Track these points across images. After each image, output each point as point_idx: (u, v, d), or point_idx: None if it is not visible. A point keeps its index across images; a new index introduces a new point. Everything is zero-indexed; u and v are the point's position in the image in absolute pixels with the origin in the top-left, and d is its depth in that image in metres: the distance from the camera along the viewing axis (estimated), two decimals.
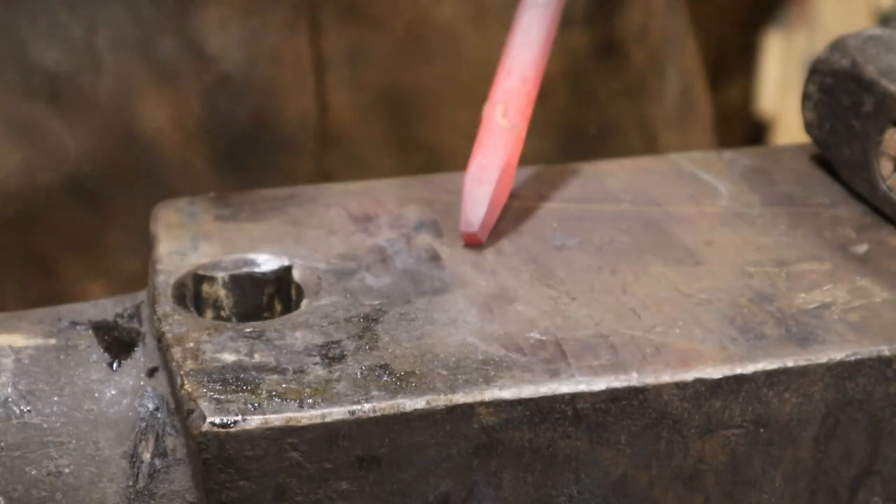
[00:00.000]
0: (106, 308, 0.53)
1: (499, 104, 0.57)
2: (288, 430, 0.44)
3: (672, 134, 0.88)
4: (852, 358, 0.47)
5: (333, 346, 0.47)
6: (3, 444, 0.48)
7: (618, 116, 0.83)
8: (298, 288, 0.52)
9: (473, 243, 0.54)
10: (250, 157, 0.75)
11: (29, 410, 0.48)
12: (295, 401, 0.44)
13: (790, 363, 0.47)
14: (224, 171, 0.75)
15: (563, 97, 0.81)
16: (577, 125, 0.82)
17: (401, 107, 0.76)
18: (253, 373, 0.46)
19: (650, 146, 0.85)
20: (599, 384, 0.45)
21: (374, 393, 0.45)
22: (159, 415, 0.49)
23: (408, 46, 0.76)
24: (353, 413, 0.44)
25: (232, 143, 0.75)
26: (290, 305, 0.52)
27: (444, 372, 0.46)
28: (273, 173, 0.75)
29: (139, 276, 0.56)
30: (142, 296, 0.53)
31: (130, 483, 0.48)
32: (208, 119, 0.74)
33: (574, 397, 0.45)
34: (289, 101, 0.74)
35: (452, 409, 0.45)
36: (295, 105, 0.74)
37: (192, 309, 0.50)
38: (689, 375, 0.46)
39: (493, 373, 0.46)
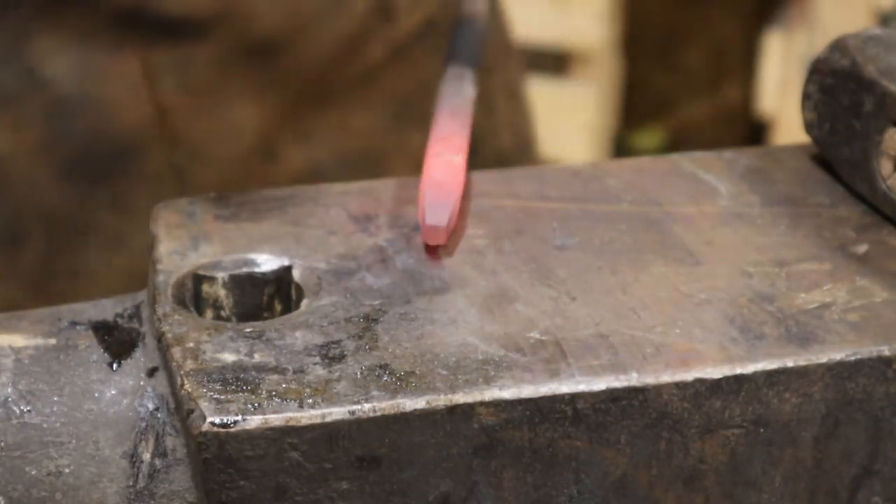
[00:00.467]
0: (106, 308, 0.53)
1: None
2: (288, 430, 0.44)
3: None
4: (852, 358, 0.47)
5: (333, 346, 0.47)
6: (3, 444, 0.48)
7: None
8: (298, 288, 0.52)
9: (437, 242, 0.53)
10: (97, 167, 0.81)
11: (29, 410, 0.48)
12: (295, 401, 0.44)
13: (790, 363, 0.47)
14: (73, 183, 0.81)
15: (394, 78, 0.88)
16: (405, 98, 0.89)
17: (232, 100, 0.82)
18: (253, 373, 0.46)
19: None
20: (599, 384, 0.45)
21: (374, 393, 0.45)
22: (159, 415, 0.49)
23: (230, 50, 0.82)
24: (353, 413, 0.44)
25: (76, 158, 0.81)
26: (290, 305, 0.52)
27: (444, 372, 0.46)
28: (126, 179, 0.82)
29: None
30: (142, 296, 0.53)
31: (130, 483, 0.48)
32: (50, 138, 0.80)
33: (574, 397, 0.45)
34: (127, 111, 0.80)
35: (452, 409, 0.45)
36: (134, 114, 0.80)
37: (192, 309, 0.50)
38: (689, 375, 0.46)
39: (493, 373, 0.46)
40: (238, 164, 0.82)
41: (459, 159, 0.57)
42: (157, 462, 0.48)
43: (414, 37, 0.86)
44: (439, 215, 0.53)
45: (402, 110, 0.88)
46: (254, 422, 0.43)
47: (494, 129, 0.94)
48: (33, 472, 0.47)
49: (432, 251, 0.53)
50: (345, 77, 0.85)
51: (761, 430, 0.47)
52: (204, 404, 0.44)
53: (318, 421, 0.44)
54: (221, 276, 0.52)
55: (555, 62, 2.17)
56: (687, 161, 0.61)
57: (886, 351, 0.47)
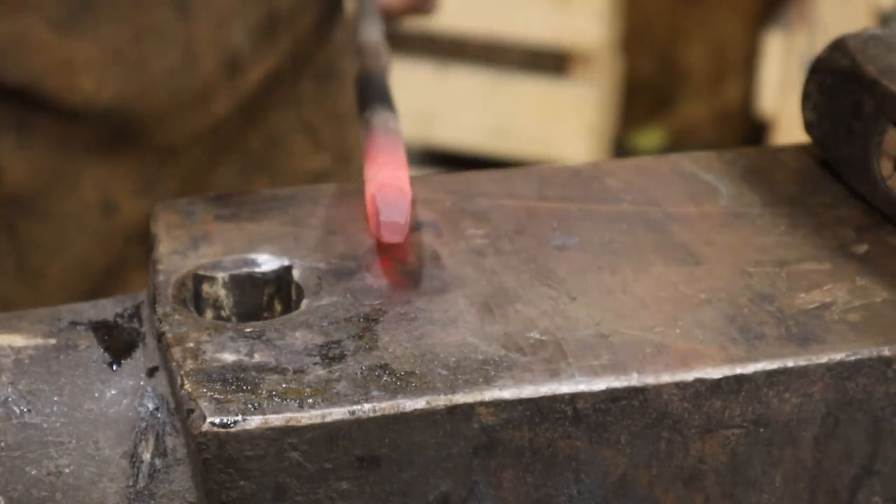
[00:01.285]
0: (106, 308, 0.53)
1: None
2: (288, 430, 0.44)
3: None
4: (852, 358, 0.47)
5: (333, 346, 0.47)
6: (3, 444, 0.48)
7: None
8: (298, 288, 0.52)
9: (396, 240, 0.52)
10: None
11: (29, 410, 0.48)
12: (295, 401, 0.44)
13: (790, 363, 0.47)
14: None
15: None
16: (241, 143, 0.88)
17: (72, 158, 0.81)
18: (253, 373, 0.46)
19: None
20: (599, 384, 0.45)
21: (374, 393, 0.45)
22: (159, 415, 0.49)
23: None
24: (353, 413, 0.44)
25: None
26: (290, 305, 0.52)
27: (444, 372, 0.46)
28: None
29: None
30: (142, 296, 0.53)
31: (130, 483, 0.48)
32: None
33: (574, 397, 0.45)
34: None
35: (452, 409, 0.45)
36: None
37: (192, 309, 0.50)
38: (689, 375, 0.46)
39: (493, 373, 0.46)
40: (75, 220, 0.82)
41: (402, 172, 0.56)
42: (157, 462, 0.48)
43: (261, 89, 0.85)
44: (395, 212, 0.52)
45: (249, 161, 0.88)
46: (254, 422, 0.43)
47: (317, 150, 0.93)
48: (33, 472, 0.47)
49: (392, 253, 0.52)
50: (189, 132, 0.83)
51: (761, 430, 0.47)
52: (204, 404, 0.44)
53: (318, 421, 0.44)
54: (221, 276, 0.52)
55: (555, 62, 2.17)
56: (687, 161, 0.61)
57: (886, 351, 0.47)
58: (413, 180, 0.60)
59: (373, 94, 0.66)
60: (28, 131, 0.79)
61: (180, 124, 0.83)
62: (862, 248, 0.54)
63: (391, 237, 0.52)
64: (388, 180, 0.54)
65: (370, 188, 0.54)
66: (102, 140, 0.81)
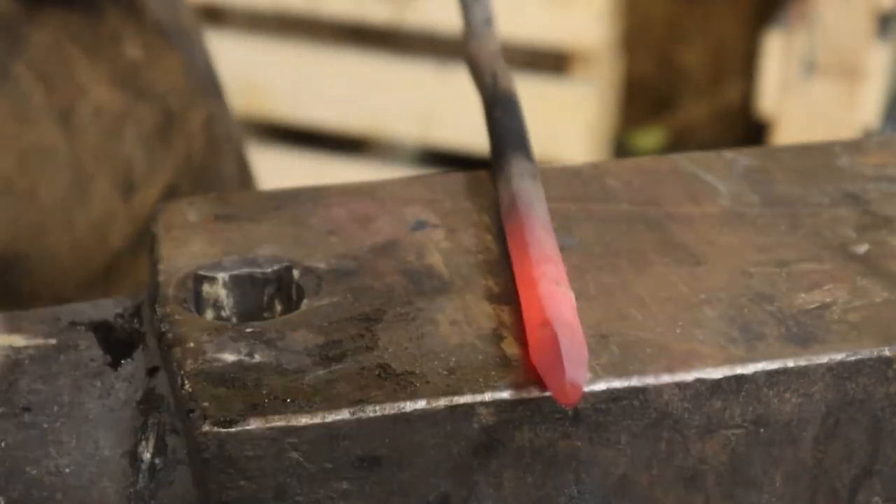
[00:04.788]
0: (106, 308, 0.53)
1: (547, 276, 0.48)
2: (288, 430, 0.44)
3: None
4: (852, 358, 0.47)
5: (333, 346, 0.47)
6: (3, 444, 0.48)
7: None
8: (299, 288, 0.52)
9: (574, 403, 0.43)
10: None
11: (29, 410, 0.48)
12: (295, 401, 0.44)
13: (790, 363, 0.47)
14: None
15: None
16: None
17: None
18: (253, 373, 0.46)
19: None
20: (599, 384, 0.45)
21: (374, 393, 0.45)
22: (159, 415, 0.49)
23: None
24: (353, 413, 0.44)
25: None
26: (290, 305, 0.52)
27: (444, 372, 0.46)
28: None
29: None
30: (142, 296, 0.53)
31: (130, 483, 0.48)
32: None
33: None
34: None
35: (452, 409, 0.45)
36: None
37: (192, 309, 0.50)
38: (689, 375, 0.46)
39: (492, 373, 0.46)
40: None
41: (572, 294, 0.47)
42: (157, 462, 0.48)
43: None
44: (579, 370, 0.43)
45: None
46: (254, 422, 0.43)
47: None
48: (33, 472, 0.47)
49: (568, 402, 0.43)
50: (85, 278, 0.72)
51: (761, 430, 0.47)
52: (204, 404, 0.44)
53: (319, 421, 0.44)
54: (222, 276, 0.52)
55: (555, 62, 2.17)
56: (687, 161, 0.61)
57: (886, 351, 0.47)
58: (414, 181, 0.60)
59: (509, 137, 0.55)
60: None
61: (76, 269, 0.72)
62: (862, 248, 0.54)
63: (569, 399, 0.43)
64: (567, 314, 0.45)
65: (547, 308, 0.45)
66: None
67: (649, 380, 0.46)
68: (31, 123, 0.69)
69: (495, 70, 0.60)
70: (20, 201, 0.69)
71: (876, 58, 1.94)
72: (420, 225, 0.55)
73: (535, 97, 2.17)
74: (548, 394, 0.44)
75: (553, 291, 0.46)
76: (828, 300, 0.50)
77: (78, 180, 0.71)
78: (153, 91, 0.77)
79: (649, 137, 2.38)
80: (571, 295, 0.47)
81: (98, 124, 0.72)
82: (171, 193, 0.77)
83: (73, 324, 0.52)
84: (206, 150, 0.82)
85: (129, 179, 0.74)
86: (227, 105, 0.88)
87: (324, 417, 0.44)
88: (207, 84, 0.84)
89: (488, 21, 0.64)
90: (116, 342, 0.51)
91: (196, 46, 0.84)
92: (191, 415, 0.44)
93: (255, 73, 2.10)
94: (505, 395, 0.45)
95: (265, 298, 0.52)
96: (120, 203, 0.73)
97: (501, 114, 0.58)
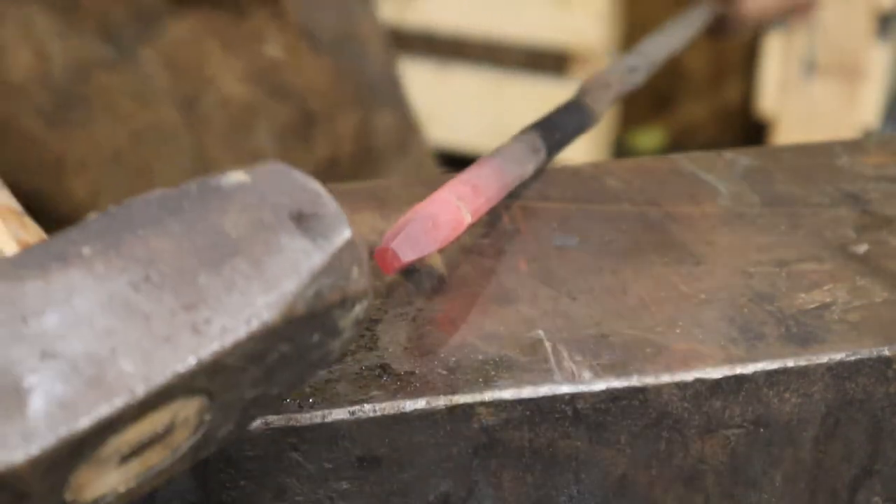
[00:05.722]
0: None
1: (460, 196, 0.52)
2: (288, 430, 0.44)
3: None
4: (852, 358, 0.47)
5: None
6: None
7: None
8: None
9: (386, 270, 0.48)
10: None
11: None
12: (295, 401, 0.44)
13: (790, 363, 0.47)
14: None
15: None
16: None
17: None
18: None
19: None
20: (599, 384, 0.45)
21: (374, 393, 0.45)
22: None
23: None
24: (353, 413, 0.44)
25: None
26: None
27: (444, 372, 0.46)
28: None
29: None
30: None
31: None
32: None
33: (574, 397, 0.45)
34: None
35: (452, 409, 0.45)
36: None
37: None
38: (689, 375, 0.46)
39: (492, 373, 0.46)
40: None
41: (467, 217, 0.51)
42: None
43: None
44: (409, 248, 0.48)
45: None
46: (254, 422, 0.43)
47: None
48: None
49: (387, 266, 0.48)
50: None
51: (761, 430, 0.47)
52: None
53: (319, 421, 0.44)
54: None
55: (555, 62, 2.17)
56: (687, 161, 0.61)
57: (886, 351, 0.47)
58: (416, 182, 0.60)
59: (546, 122, 0.58)
60: None
61: None
62: (862, 248, 0.54)
63: (382, 263, 0.48)
64: (439, 216, 0.49)
65: (425, 202, 0.50)
66: None
67: (649, 380, 0.46)
68: (150, 104, 0.72)
69: (594, 90, 0.64)
70: (132, 174, 0.72)
71: (876, 58, 1.95)
72: None
73: (535, 97, 2.18)
74: (549, 395, 0.45)
75: (445, 198, 0.51)
76: (828, 300, 0.50)
77: (201, 162, 0.74)
78: (291, 90, 0.78)
79: (649, 137, 2.38)
80: (466, 216, 0.51)
81: (224, 114, 0.75)
82: None
83: None
84: (358, 157, 0.82)
85: None
86: (408, 121, 0.88)
87: (324, 417, 0.44)
88: (371, 93, 0.84)
89: (634, 69, 0.70)
90: None
91: (369, 56, 0.85)
92: None
93: None
94: (505, 395, 0.45)
95: None
96: None
97: (565, 111, 0.61)
